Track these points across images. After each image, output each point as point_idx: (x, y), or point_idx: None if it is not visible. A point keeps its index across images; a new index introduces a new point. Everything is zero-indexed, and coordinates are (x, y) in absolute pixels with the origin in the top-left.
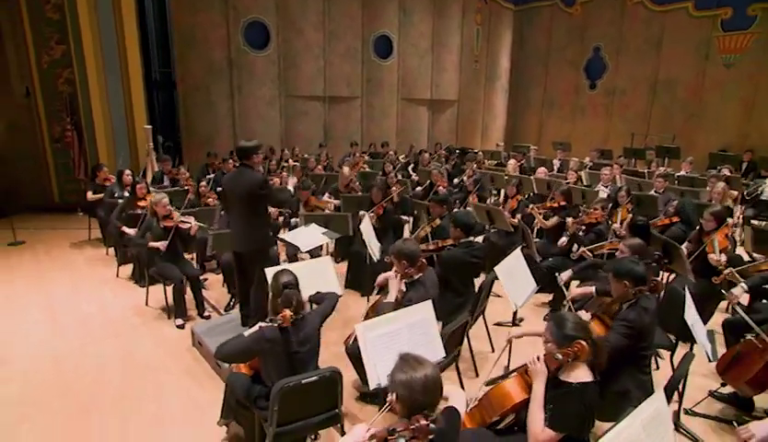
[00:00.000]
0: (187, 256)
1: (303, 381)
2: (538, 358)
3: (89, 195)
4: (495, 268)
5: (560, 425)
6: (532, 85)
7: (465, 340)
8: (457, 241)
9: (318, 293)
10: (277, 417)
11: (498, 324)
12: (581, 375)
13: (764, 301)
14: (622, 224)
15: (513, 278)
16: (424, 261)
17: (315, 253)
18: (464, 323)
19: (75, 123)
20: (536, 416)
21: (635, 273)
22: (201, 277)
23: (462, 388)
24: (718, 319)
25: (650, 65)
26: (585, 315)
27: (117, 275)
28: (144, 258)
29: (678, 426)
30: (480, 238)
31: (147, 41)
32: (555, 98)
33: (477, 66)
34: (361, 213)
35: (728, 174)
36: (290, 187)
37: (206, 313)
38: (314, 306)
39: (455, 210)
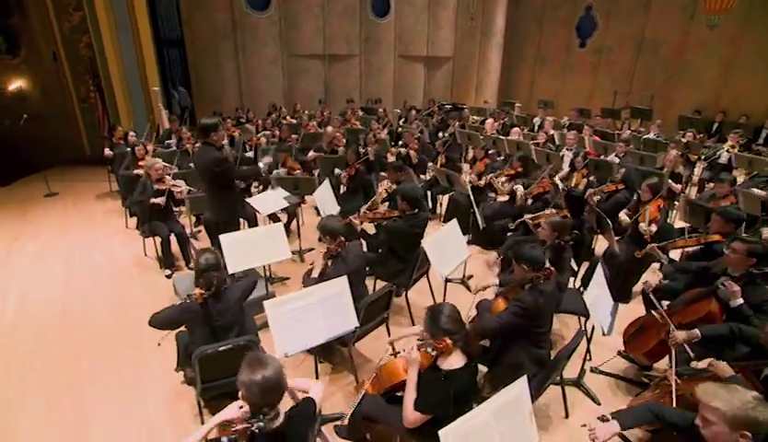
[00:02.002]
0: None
1: (220, 349)
2: (416, 347)
3: (106, 152)
4: (423, 243)
5: (425, 408)
6: (526, 42)
7: (404, 297)
8: (402, 213)
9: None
10: (202, 376)
11: (448, 281)
12: (454, 361)
13: None
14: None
15: (443, 250)
16: (342, 239)
17: (291, 211)
18: (389, 291)
19: (97, 85)
20: (408, 397)
21: (534, 258)
22: (195, 229)
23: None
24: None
25: (638, 25)
26: (490, 294)
27: (126, 226)
28: (139, 214)
29: (579, 384)
30: (446, 197)
31: (156, 3)
32: (547, 55)
33: (473, 24)
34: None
35: (690, 140)
36: (262, 164)
37: (192, 264)
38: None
39: (402, 185)
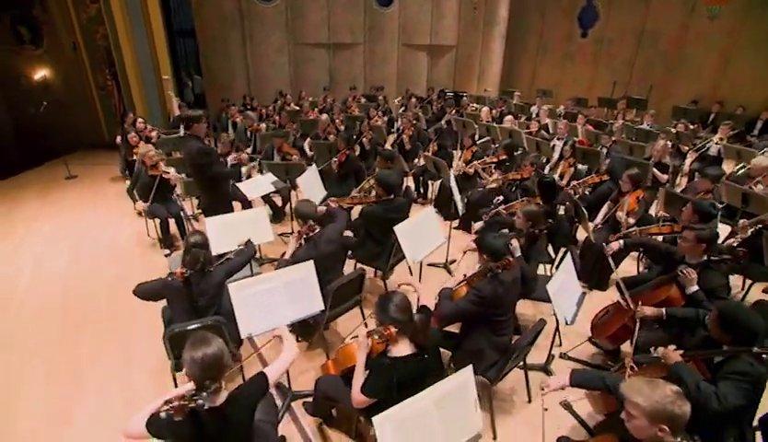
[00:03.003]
0: None
1: (188, 328)
2: (367, 334)
3: (118, 139)
4: (395, 227)
5: (368, 391)
6: (529, 32)
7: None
8: (379, 198)
9: (243, 245)
10: (176, 352)
11: (432, 265)
12: (401, 349)
13: None
14: (562, 178)
15: (416, 235)
16: (312, 223)
17: (285, 194)
18: (360, 275)
19: (113, 73)
20: (356, 380)
21: (493, 248)
22: (197, 211)
23: (365, 324)
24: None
25: (639, 16)
26: (454, 282)
27: (135, 208)
28: (140, 197)
29: (546, 370)
30: (437, 183)
31: None
32: (549, 45)
33: (476, 13)
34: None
35: (681, 130)
36: (243, 169)
37: None
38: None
39: (379, 171)
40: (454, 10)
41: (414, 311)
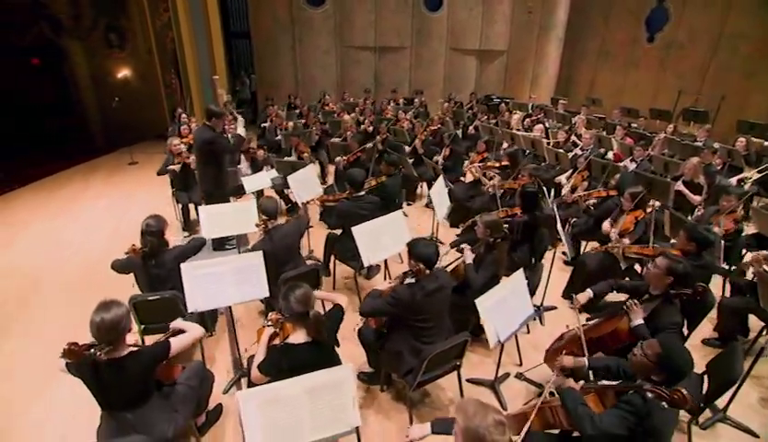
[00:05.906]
0: None
1: (149, 298)
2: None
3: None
4: (353, 227)
5: (260, 369)
6: (590, 36)
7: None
8: (350, 196)
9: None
10: (141, 318)
11: None
12: (298, 337)
13: None
14: (574, 191)
15: (376, 238)
16: (266, 217)
17: None
18: (314, 270)
19: (177, 73)
20: (257, 357)
21: (417, 254)
22: None
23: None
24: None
25: (717, 17)
26: (385, 285)
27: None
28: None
29: (493, 387)
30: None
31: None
32: (612, 50)
33: (530, 17)
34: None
35: (739, 147)
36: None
37: None
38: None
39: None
40: (506, 14)
41: None
